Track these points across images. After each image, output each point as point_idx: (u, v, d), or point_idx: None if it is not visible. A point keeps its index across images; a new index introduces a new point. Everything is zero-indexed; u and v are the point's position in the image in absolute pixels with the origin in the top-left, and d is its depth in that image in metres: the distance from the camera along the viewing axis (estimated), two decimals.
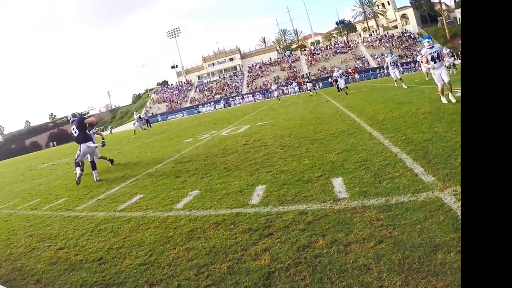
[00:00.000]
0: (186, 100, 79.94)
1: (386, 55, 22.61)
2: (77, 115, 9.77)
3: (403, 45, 67.62)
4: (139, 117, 28.98)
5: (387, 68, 22.46)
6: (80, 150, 9.21)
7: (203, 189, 5.79)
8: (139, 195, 6.36)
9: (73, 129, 9.43)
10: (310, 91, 38.37)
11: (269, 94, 61.19)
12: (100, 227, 4.89)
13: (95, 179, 9.05)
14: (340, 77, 27.30)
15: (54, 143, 74.26)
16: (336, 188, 4.47)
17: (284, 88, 62.70)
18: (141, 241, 4.03)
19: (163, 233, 4.12)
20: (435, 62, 10.98)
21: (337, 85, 29.61)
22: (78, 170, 9.05)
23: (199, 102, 74.74)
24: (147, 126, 42.96)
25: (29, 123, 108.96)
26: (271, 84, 60.45)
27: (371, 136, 7.31)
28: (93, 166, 9.44)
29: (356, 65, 64.24)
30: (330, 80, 35.55)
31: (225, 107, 63.66)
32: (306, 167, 5.83)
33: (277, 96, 41.05)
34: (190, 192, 5.77)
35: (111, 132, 58.83)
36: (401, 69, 25.70)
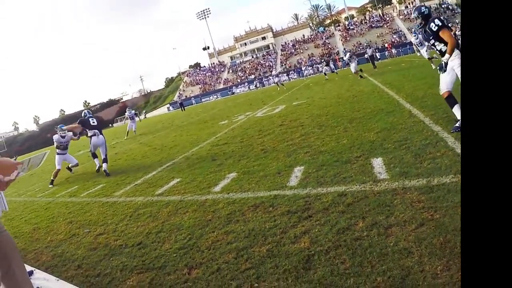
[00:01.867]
0: (220, 82, 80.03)
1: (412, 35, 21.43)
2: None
3: (442, 17, 64.88)
4: (134, 114, 24.59)
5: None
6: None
7: (240, 171, 5.84)
8: (176, 179, 6.48)
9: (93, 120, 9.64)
10: (325, 74, 32.73)
11: (303, 73, 60.38)
12: (139, 212, 5.02)
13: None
14: (350, 59, 22.45)
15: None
16: (376, 168, 4.40)
17: (319, 66, 61.67)
18: (179, 225, 4.11)
19: (201, 217, 4.19)
20: None
21: (372, 61, 27.61)
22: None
23: (233, 83, 74.68)
24: (182, 109, 43.59)
25: (64, 111, 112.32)
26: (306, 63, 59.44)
27: (410, 114, 7.12)
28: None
29: (393, 40, 62.27)
30: (366, 56, 34.08)
31: (256, 87, 63.31)
32: (345, 147, 5.77)
33: (324, 73, 33.97)
34: (227, 174, 5.83)
35: (145, 117, 59.82)
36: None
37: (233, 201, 4.45)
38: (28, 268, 3.83)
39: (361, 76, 19.80)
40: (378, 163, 4.58)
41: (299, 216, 3.52)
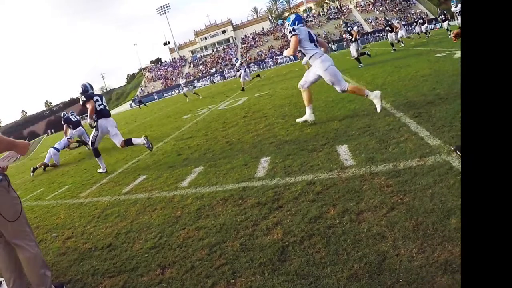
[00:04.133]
0: (181, 76, 79.18)
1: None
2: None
3: (397, 8, 66.56)
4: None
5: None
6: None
7: (206, 165, 5.74)
8: (142, 176, 6.31)
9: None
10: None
11: (265, 65, 60.57)
12: (106, 212, 4.83)
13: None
14: None
15: (52, 130, 73.83)
16: (342, 155, 4.42)
17: (278, 58, 61.95)
18: (149, 224, 3.97)
19: (170, 213, 4.07)
20: None
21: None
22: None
23: (194, 77, 73.99)
24: (139, 106, 41.67)
25: (26, 112, 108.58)
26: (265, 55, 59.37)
27: (372, 101, 7.21)
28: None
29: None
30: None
31: (212, 83, 62.81)
32: (309, 136, 5.77)
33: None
34: (194, 169, 5.71)
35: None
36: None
37: (201, 196, 4.35)
38: None
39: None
40: (343, 150, 4.60)
41: (270, 207, 3.47)
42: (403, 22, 25.81)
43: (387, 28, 23.41)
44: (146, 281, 2.82)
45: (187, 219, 3.76)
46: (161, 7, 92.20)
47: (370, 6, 71.40)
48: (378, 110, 6.06)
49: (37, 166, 11.12)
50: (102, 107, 7.50)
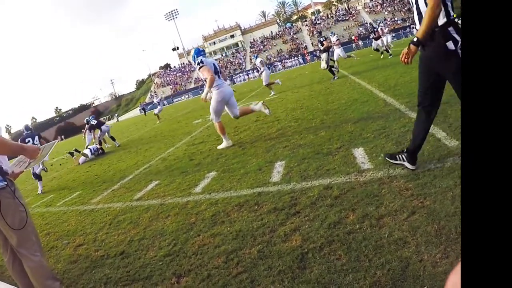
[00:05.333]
0: (190, 82, 79.58)
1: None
2: None
3: (405, 8, 66.14)
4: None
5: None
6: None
7: (220, 170, 5.69)
8: (154, 181, 6.27)
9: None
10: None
11: (274, 68, 60.59)
12: (118, 219, 4.79)
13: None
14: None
15: (62, 136, 74.70)
16: (359, 159, 4.34)
17: (287, 61, 61.94)
18: (162, 230, 3.92)
19: (184, 220, 4.02)
20: None
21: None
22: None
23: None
24: (144, 113, 41.04)
25: (35, 119, 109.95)
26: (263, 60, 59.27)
27: (385, 102, 7.13)
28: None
29: (359, 32, 63.08)
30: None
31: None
32: (324, 139, 5.70)
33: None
34: (207, 174, 5.67)
35: (117, 120, 58.87)
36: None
37: (216, 202, 4.29)
38: (8, 287, 3.61)
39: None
40: (360, 153, 4.52)
41: (287, 213, 3.40)
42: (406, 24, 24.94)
43: (372, 34, 22.90)
44: None
45: (201, 226, 3.71)
46: (169, 12, 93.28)
47: (379, 7, 71.10)
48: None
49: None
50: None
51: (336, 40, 19.62)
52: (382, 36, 22.00)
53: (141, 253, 3.54)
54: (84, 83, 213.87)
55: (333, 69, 15.77)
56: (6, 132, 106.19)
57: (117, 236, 4.20)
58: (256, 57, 19.24)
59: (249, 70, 68.52)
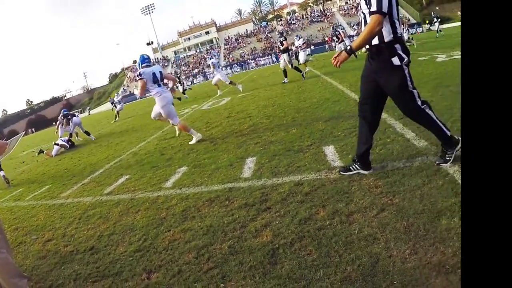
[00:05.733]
0: (180, 74, 78.73)
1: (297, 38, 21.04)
2: None
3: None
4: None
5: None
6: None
7: (191, 165, 5.63)
8: (125, 176, 6.16)
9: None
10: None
11: (247, 66, 60.62)
12: (88, 214, 4.66)
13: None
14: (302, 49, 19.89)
15: (33, 129, 72.63)
16: (329, 156, 4.38)
17: (260, 59, 62.09)
18: (133, 225, 3.84)
19: (155, 215, 3.95)
20: None
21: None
22: None
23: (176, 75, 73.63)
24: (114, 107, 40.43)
25: (6, 111, 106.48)
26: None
27: (356, 102, 7.17)
28: None
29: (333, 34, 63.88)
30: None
31: (192, 83, 62.62)
32: (295, 136, 5.73)
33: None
34: (177, 169, 5.60)
35: (89, 114, 57.62)
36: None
37: (186, 197, 4.24)
38: None
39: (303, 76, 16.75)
40: (330, 151, 4.56)
41: (258, 209, 3.39)
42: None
43: (335, 38, 23.15)
44: (131, 286, 2.71)
45: (172, 221, 3.65)
46: (145, 7, 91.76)
47: (353, 10, 72.02)
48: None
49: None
50: None
51: (303, 44, 19.78)
52: (344, 40, 22.39)
53: (111, 248, 3.45)
54: (57, 75, 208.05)
55: (299, 68, 15.93)
56: None
57: (87, 231, 4.08)
58: (211, 58, 19.14)
59: (222, 67, 68.33)
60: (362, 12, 3.30)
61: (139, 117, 19.08)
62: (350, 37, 52.23)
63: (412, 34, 42.00)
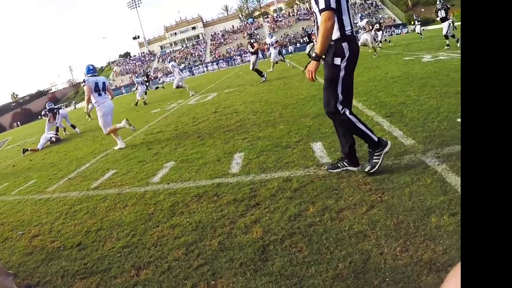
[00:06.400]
0: (149, 71, 78.05)
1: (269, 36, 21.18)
2: None
3: (366, 12, 67.60)
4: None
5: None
6: None
7: (178, 160, 5.59)
8: (111, 170, 6.08)
9: None
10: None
11: (233, 62, 60.46)
12: (75, 209, 4.57)
13: None
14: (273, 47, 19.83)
15: (18, 123, 71.15)
16: (317, 152, 4.38)
17: (246, 55, 61.96)
18: (120, 221, 3.77)
19: (143, 210, 3.89)
20: None
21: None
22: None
23: (163, 72, 73.06)
24: None
25: None
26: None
27: None
28: None
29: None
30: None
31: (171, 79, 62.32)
32: (283, 132, 5.72)
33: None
34: (165, 164, 5.55)
35: (75, 108, 56.74)
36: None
37: (174, 192, 4.19)
38: None
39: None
40: (318, 147, 4.57)
41: (247, 204, 3.36)
42: (377, 27, 24.65)
43: (305, 39, 23.11)
44: (120, 283, 2.65)
45: (160, 216, 3.60)
46: (132, 1, 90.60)
47: None
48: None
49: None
50: None
51: (275, 42, 19.80)
52: (313, 40, 22.17)
53: (98, 244, 3.38)
54: (42, 68, 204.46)
55: (261, 71, 15.91)
56: None
57: (74, 226, 4.00)
58: (170, 61, 19.04)
59: (208, 62, 68.07)
60: (314, 11, 3.39)
61: (125, 111, 18.84)
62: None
63: (397, 34, 42.26)
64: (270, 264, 2.38)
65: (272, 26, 73.32)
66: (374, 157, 3.42)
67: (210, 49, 75.97)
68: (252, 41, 16.41)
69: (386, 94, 6.96)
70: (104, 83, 8.04)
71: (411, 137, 4.17)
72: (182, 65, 70.54)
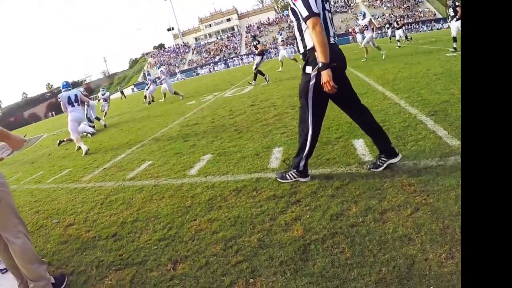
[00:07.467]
0: (184, 63, 78.90)
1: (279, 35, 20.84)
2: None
3: (405, 5, 65.95)
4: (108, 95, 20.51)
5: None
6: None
7: (215, 153, 5.59)
8: (147, 161, 6.14)
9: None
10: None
11: (269, 55, 60.25)
12: (111, 199, 4.64)
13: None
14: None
15: (53, 113, 73.46)
16: (359, 150, 4.28)
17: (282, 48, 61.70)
18: (157, 213, 3.79)
19: (179, 203, 3.89)
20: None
21: None
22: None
23: (198, 64, 73.71)
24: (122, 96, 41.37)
25: (26, 94, 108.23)
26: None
27: (384, 96, 7.07)
28: None
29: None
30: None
31: (209, 71, 62.63)
32: (323, 128, 5.59)
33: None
34: (202, 156, 5.56)
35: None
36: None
37: (212, 185, 4.19)
38: None
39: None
40: (360, 145, 4.47)
41: (287, 201, 3.31)
42: (410, 20, 23.97)
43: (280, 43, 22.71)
44: (156, 276, 2.65)
45: (198, 210, 3.60)
46: None
47: (378, 1, 70.77)
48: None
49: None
50: None
51: (281, 41, 19.59)
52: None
53: (134, 236, 3.40)
54: (76, 59, 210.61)
55: (260, 75, 15.80)
56: None
57: (109, 216, 4.06)
58: (159, 67, 19.07)
59: (243, 55, 68.14)
60: (292, 22, 3.45)
61: (159, 103, 19.11)
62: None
63: (438, 29, 40.89)
64: (311, 264, 2.33)
65: None
66: (380, 160, 3.55)
67: (245, 41, 75.99)
68: (255, 43, 16.40)
69: (429, 91, 6.73)
70: (76, 95, 9.61)
71: (456, 138, 4.00)
72: (217, 57, 71.02)
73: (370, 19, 16.43)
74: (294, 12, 3.31)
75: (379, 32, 50.43)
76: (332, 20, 3.46)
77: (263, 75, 15.45)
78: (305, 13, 3.11)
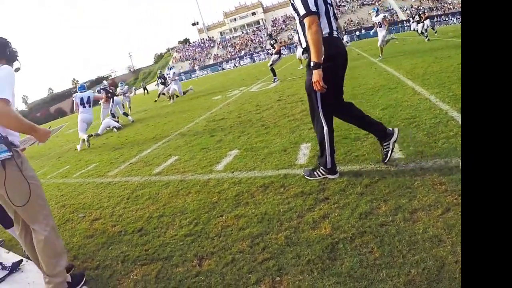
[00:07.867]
0: (209, 58, 79.21)
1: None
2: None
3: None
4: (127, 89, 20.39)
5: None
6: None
7: (242, 148, 5.59)
8: (174, 156, 6.20)
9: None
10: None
11: (295, 49, 59.89)
12: (137, 194, 4.70)
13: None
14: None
15: None
16: None
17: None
18: (183, 208, 3.81)
19: (206, 199, 3.91)
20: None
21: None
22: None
23: (223, 58, 73.89)
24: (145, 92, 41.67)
25: (52, 90, 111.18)
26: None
27: (414, 91, 6.91)
28: None
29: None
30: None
31: (234, 66, 62.61)
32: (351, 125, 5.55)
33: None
34: (228, 152, 5.58)
35: (134, 94, 59.11)
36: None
37: (239, 181, 4.19)
38: (18, 258, 3.54)
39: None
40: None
41: (315, 198, 3.28)
42: (439, 12, 23.21)
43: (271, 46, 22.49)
44: (182, 272, 2.66)
45: (224, 206, 3.61)
46: None
47: None
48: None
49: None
50: None
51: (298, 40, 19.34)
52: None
53: (160, 231, 3.43)
54: (102, 55, 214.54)
55: (272, 73, 15.83)
56: (23, 102, 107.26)
57: (135, 211, 4.11)
58: (171, 69, 19.07)
59: (269, 49, 67.98)
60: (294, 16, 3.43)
61: (185, 98, 19.21)
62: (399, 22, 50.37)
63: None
64: (339, 263, 2.30)
65: (335, 11, 71.77)
66: (384, 148, 3.61)
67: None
68: (272, 42, 16.27)
69: (460, 87, 6.55)
70: (89, 97, 10.66)
71: None
72: (243, 52, 71.03)
73: (385, 16, 15.87)
74: (294, 8, 3.31)
75: (408, 24, 49.34)
76: (335, 13, 3.49)
77: (275, 75, 15.35)
78: (302, 11, 3.13)
